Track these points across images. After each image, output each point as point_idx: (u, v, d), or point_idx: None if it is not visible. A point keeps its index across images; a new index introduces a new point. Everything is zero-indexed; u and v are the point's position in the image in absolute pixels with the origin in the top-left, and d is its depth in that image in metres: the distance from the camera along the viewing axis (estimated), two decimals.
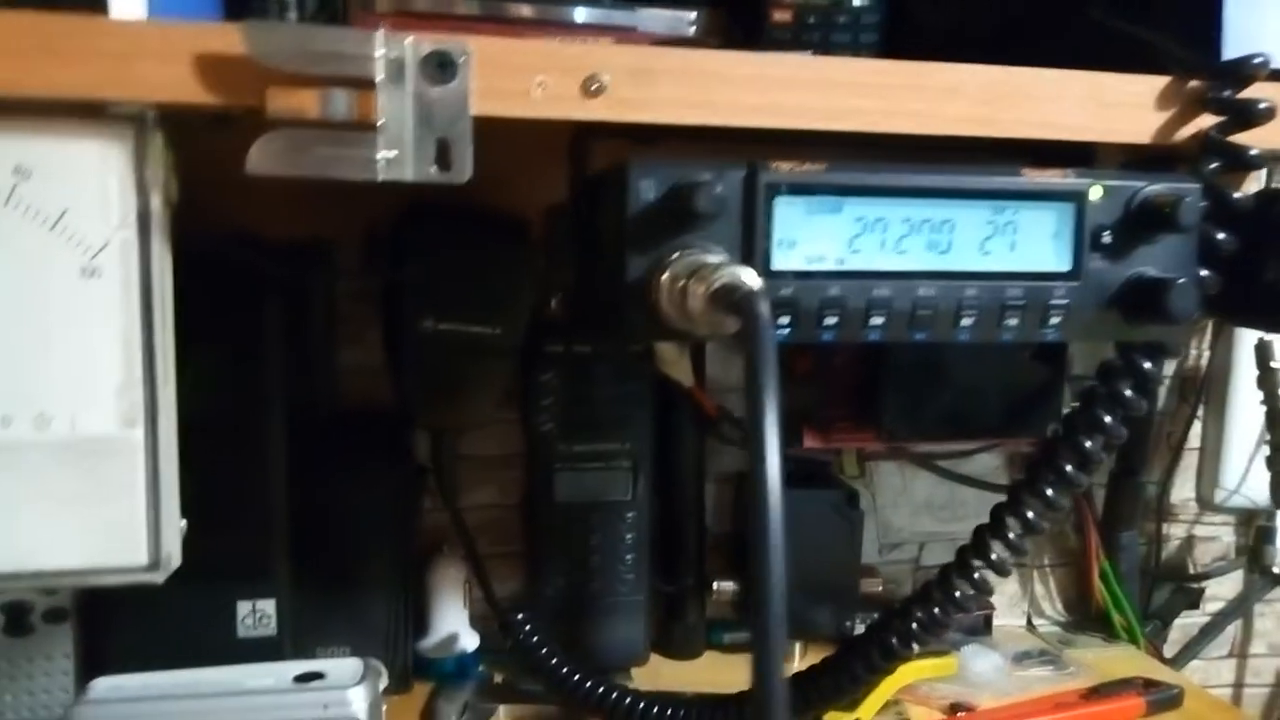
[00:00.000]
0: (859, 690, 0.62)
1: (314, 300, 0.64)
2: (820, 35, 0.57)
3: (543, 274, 0.59)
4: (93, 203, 0.40)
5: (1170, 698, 0.71)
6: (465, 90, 0.41)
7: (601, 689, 0.61)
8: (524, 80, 0.43)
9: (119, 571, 0.42)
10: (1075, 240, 0.48)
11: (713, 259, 0.42)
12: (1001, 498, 0.57)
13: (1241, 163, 0.49)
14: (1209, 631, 0.89)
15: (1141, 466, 0.84)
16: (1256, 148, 0.49)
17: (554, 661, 0.62)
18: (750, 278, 0.41)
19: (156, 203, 0.41)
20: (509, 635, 0.63)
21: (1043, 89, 0.48)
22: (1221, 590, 0.89)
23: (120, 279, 0.41)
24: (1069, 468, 0.54)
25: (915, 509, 0.82)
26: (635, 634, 0.72)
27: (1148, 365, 0.52)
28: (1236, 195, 0.50)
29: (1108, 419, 0.53)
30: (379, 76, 0.40)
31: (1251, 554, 0.88)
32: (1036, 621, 0.86)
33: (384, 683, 0.54)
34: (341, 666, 0.53)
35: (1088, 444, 0.53)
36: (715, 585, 0.74)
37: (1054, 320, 0.48)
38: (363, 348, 0.68)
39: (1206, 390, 0.86)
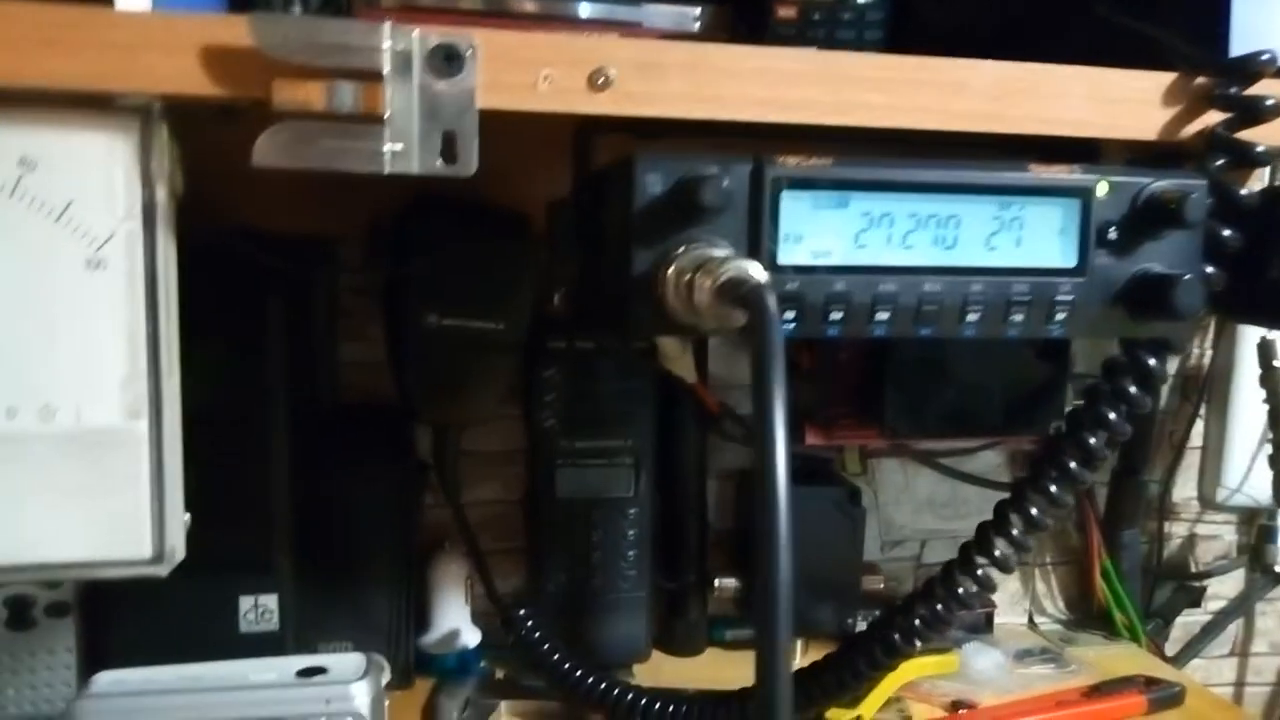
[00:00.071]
0: (861, 687, 0.62)
1: (317, 295, 0.64)
2: (825, 32, 0.57)
3: (545, 269, 0.58)
4: (98, 195, 0.40)
5: (1171, 696, 0.71)
6: (472, 83, 0.41)
7: (603, 685, 0.61)
8: (530, 74, 0.43)
9: (123, 564, 0.42)
10: (1081, 236, 0.48)
11: (719, 253, 0.42)
12: (1003, 495, 0.57)
13: (1247, 159, 0.50)
14: (1210, 630, 0.89)
15: (1143, 465, 0.84)
16: (1263, 144, 0.49)
17: (556, 658, 0.62)
18: (757, 271, 0.41)
19: (162, 195, 0.41)
20: (511, 631, 0.63)
21: (1049, 85, 0.48)
22: (1223, 589, 0.89)
23: (125, 271, 0.41)
24: (1073, 464, 0.54)
25: (917, 506, 0.82)
26: (637, 630, 0.72)
27: (1152, 362, 0.52)
28: (1242, 192, 0.50)
29: (1112, 415, 0.53)
30: (385, 69, 0.40)
31: (1253, 553, 0.88)
32: (1038, 619, 0.85)
33: (386, 678, 0.54)
34: (344, 661, 0.53)
35: (1092, 440, 0.53)
36: (717, 582, 0.74)
37: (1059, 316, 0.48)
38: (365, 342, 0.68)
39: (1209, 389, 0.86)
